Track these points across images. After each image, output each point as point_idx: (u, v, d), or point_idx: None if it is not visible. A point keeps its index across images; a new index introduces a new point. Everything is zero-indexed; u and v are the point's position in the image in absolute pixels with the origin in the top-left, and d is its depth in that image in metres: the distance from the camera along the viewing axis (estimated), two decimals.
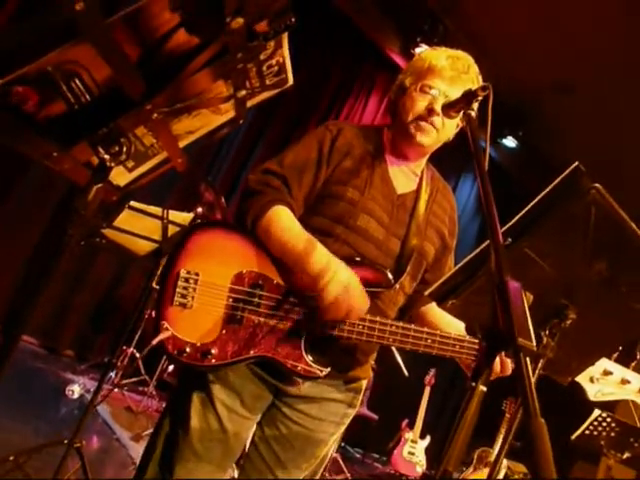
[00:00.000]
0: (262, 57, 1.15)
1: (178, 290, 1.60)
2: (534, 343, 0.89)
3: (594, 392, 2.19)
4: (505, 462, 5.29)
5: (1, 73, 0.83)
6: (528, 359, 0.87)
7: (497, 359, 1.65)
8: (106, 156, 0.99)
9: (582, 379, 2.14)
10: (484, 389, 0.96)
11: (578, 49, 5.18)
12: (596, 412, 3.26)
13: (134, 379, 4.79)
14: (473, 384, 0.97)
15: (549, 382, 1.58)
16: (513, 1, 5.05)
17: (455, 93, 1.70)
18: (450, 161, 6.44)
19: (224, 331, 1.61)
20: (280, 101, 5.88)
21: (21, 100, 0.89)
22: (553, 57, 5.43)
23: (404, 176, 1.86)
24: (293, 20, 1.02)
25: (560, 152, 6.47)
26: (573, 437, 3.37)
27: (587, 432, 3.29)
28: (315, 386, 1.74)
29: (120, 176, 1.22)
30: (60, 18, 0.68)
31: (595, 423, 3.27)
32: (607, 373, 2.18)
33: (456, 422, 0.95)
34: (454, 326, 1.76)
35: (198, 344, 1.59)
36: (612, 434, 3.28)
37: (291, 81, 1.29)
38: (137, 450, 3.68)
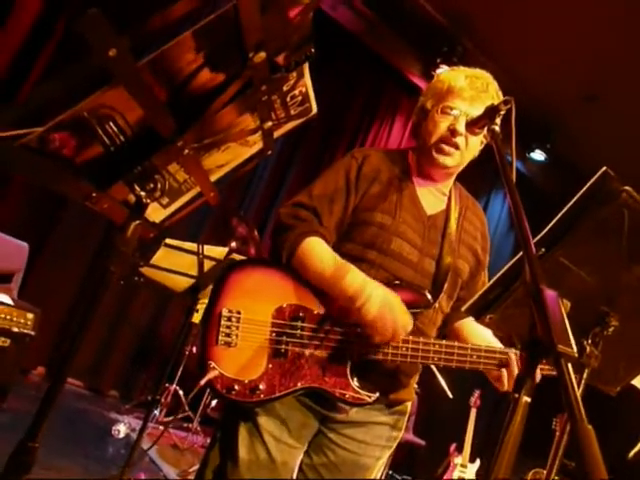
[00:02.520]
0: (285, 88, 1.19)
1: (222, 329, 1.63)
2: (575, 349, 0.88)
3: None
4: None
5: (40, 122, 0.88)
6: (570, 365, 0.86)
7: (505, 374, 1.64)
8: (142, 193, 1.03)
9: (638, 382, 2.06)
10: (528, 400, 0.95)
11: (599, 57, 5.14)
12: None
13: (178, 416, 4.82)
14: (516, 395, 0.96)
15: (596, 399, 1.54)
16: (528, 15, 5.05)
17: (476, 112, 1.71)
18: (480, 179, 6.44)
19: (270, 365, 1.63)
20: (306, 131, 5.98)
21: (59, 146, 0.94)
22: (575, 67, 5.41)
23: (432, 197, 1.87)
24: (312, 51, 1.06)
25: (589, 162, 6.39)
26: (631, 455, 3.25)
27: None
28: (361, 411, 1.74)
29: (156, 213, 1.26)
30: (94, 65, 0.72)
31: None
32: None
33: (502, 435, 0.94)
34: (487, 341, 1.76)
35: (246, 381, 1.61)
36: None
37: (315, 110, 1.32)
38: None
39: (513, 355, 1.63)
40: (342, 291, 1.61)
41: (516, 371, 1.61)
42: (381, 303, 1.56)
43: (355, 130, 6.34)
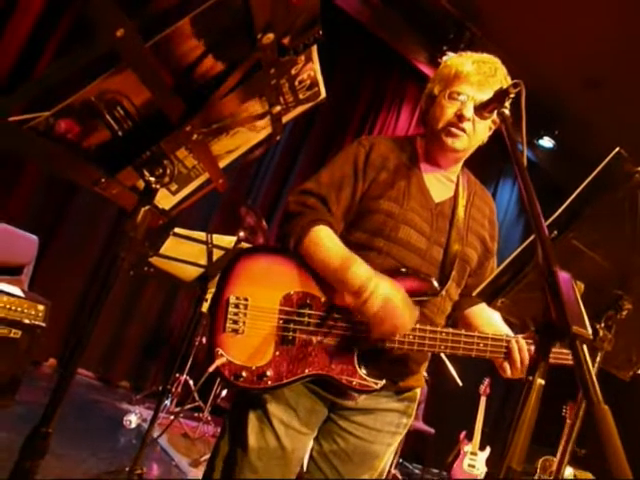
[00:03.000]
0: (293, 72, 1.17)
1: (229, 317, 1.63)
2: (589, 331, 0.88)
3: None
4: (571, 470, 5.13)
5: (48, 106, 0.87)
6: (585, 347, 0.85)
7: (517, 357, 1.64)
8: (151, 178, 1.02)
9: None
10: (542, 382, 0.94)
11: (607, 44, 5.09)
12: None
13: (189, 406, 4.85)
14: (530, 378, 0.95)
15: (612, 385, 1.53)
16: (536, 2, 5.01)
17: (484, 97, 1.70)
18: (488, 166, 6.40)
19: (277, 352, 1.63)
20: (313, 119, 5.96)
21: (65, 131, 0.93)
22: (582, 54, 5.36)
23: (440, 184, 1.86)
24: (320, 32, 1.05)
25: (598, 149, 6.33)
26: None
27: None
28: (370, 398, 1.73)
29: (165, 199, 1.26)
30: (102, 46, 0.72)
31: None
32: None
33: (515, 418, 0.93)
34: (497, 327, 1.75)
35: (253, 367, 1.61)
36: None
37: (323, 94, 1.31)
38: (197, 475, 3.71)
39: (514, 343, 1.62)
40: (346, 283, 1.60)
41: (518, 358, 1.61)
42: (384, 299, 1.55)
43: (362, 118, 6.31)
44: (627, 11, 4.68)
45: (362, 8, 5.76)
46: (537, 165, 7.10)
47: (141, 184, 1.07)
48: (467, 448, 5.58)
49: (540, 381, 0.94)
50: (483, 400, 5.65)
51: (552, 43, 5.41)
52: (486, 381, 5.66)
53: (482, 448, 5.57)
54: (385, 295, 1.56)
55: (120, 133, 0.99)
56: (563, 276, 0.96)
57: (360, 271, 1.60)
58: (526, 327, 1.48)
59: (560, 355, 1.65)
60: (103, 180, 0.97)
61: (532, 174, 1.21)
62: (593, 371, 0.82)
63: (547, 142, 6.78)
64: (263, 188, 5.93)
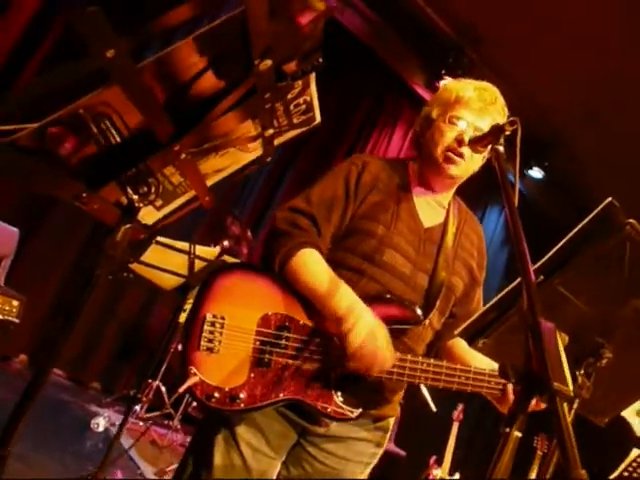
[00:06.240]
0: (289, 96, 1.15)
1: (204, 335, 1.59)
2: (571, 387, 0.86)
3: None
4: None
5: (37, 118, 0.84)
6: (565, 405, 0.84)
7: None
8: (135, 197, 1.00)
9: (628, 414, 2.05)
10: (519, 435, 0.93)
11: (602, 78, 5.14)
12: (635, 452, 3.12)
13: (159, 412, 4.77)
14: (507, 430, 0.93)
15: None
16: (534, 32, 5.05)
17: (483, 124, 1.70)
18: (476, 192, 6.42)
19: (252, 374, 1.59)
20: (306, 134, 5.93)
21: (57, 142, 0.90)
22: (577, 87, 5.40)
23: (431, 209, 1.84)
24: (320, 60, 1.03)
25: (588, 182, 6.41)
26: (611, 478, 3.23)
27: (625, 474, 3.14)
28: (342, 426, 1.71)
29: (148, 215, 1.23)
30: (92, 65, 0.69)
31: (634, 464, 3.12)
32: None
33: (490, 470, 0.91)
34: (479, 359, 1.72)
35: (226, 389, 1.57)
36: None
37: (318, 119, 1.29)
38: None
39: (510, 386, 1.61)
40: (330, 311, 1.58)
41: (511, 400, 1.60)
42: (367, 333, 1.53)
43: (355, 136, 6.31)
44: (626, 46, 4.73)
45: (364, 25, 5.78)
46: (525, 194, 7.14)
47: (124, 200, 1.04)
48: (437, 472, 5.54)
49: (517, 434, 0.92)
50: (455, 426, 5.62)
51: (549, 74, 5.45)
52: (459, 407, 5.64)
53: (451, 473, 5.54)
54: (369, 330, 1.53)
55: (106, 148, 0.96)
56: (547, 327, 0.95)
57: (344, 300, 1.57)
58: (506, 374, 1.47)
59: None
60: (85, 195, 0.94)
61: (520, 204, 1.19)
62: (572, 431, 0.80)
63: (536, 173, 6.82)
64: (251, 200, 5.90)
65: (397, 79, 6.17)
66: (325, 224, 1.72)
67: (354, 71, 6.15)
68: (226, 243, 3.87)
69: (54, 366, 1.17)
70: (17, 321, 3.38)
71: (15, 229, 3.94)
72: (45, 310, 4.95)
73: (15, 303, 3.38)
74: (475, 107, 1.74)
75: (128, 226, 0.98)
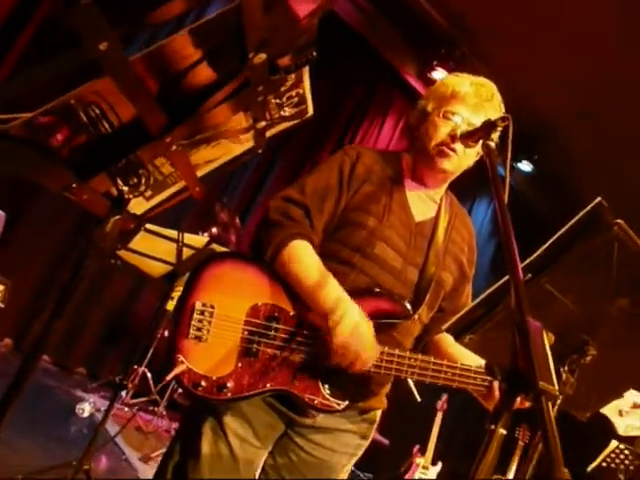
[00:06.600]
0: (282, 89, 1.15)
1: (193, 323, 1.59)
2: (556, 387, 0.87)
3: (624, 426, 2.11)
4: None
5: (28, 110, 0.83)
6: (550, 404, 0.85)
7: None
8: (124, 188, 0.99)
9: (610, 412, 2.07)
10: (504, 432, 0.94)
11: (596, 75, 5.16)
12: (613, 443, 3.18)
13: (145, 399, 4.77)
14: (492, 427, 0.94)
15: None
16: (528, 26, 5.05)
17: (478, 120, 1.69)
18: (465, 185, 6.43)
19: (240, 364, 1.59)
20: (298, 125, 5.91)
21: (48, 131, 0.89)
22: (570, 83, 5.42)
23: (423, 203, 1.84)
24: (314, 54, 1.02)
25: (576, 176, 6.44)
26: (589, 469, 3.28)
27: (604, 464, 3.20)
28: (329, 417, 1.71)
29: (138, 205, 1.22)
30: (85, 56, 0.68)
31: (612, 455, 3.19)
32: (637, 406, 2.09)
33: (474, 467, 0.92)
34: (465, 354, 1.73)
35: (214, 377, 1.57)
36: (631, 467, 3.19)
37: (311, 112, 1.29)
38: (145, 472, 3.65)
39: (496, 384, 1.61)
40: (317, 303, 1.58)
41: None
42: (352, 331, 1.53)
43: (346, 125, 6.29)
44: (620, 43, 4.74)
45: (356, 14, 5.74)
46: (514, 188, 7.16)
47: (114, 191, 1.03)
48: (419, 461, 5.60)
49: (502, 431, 0.93)
50: (439, 415, 5.67)
51: (542, 68, 5.45)
52: (444, 397, 5.69)
53: (434, 463, 5.60)
54: (354, 326, 1.54)
55: (96, 138, 0.95)
56: (534, 326, 0.96)
57: (332, 294, 1.57)
58: (492, 371, 1.48)
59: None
60: (74, 185, 0.93)
61: (509, 197, 1.19)
62: (556, 430, 0.81)
63: (526, 166, 6.84)
64: (239, 187, 5.87)
65: (389, 68, 6.14)
66: (318, 215, 1.71)
67: (346, 59, 6.11)
68: (214, 230, 3.87)
69: (41, 355, 1.16)
70: (2, 305, 3.36)
71: (2, 213, 3.90)
72: (30, 294, 4.92)
73: (0, 288, 3.36)
74: (471, 103, 1.73)
75: (118, 217, 0.98)
